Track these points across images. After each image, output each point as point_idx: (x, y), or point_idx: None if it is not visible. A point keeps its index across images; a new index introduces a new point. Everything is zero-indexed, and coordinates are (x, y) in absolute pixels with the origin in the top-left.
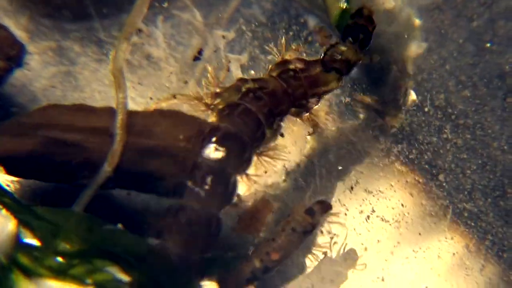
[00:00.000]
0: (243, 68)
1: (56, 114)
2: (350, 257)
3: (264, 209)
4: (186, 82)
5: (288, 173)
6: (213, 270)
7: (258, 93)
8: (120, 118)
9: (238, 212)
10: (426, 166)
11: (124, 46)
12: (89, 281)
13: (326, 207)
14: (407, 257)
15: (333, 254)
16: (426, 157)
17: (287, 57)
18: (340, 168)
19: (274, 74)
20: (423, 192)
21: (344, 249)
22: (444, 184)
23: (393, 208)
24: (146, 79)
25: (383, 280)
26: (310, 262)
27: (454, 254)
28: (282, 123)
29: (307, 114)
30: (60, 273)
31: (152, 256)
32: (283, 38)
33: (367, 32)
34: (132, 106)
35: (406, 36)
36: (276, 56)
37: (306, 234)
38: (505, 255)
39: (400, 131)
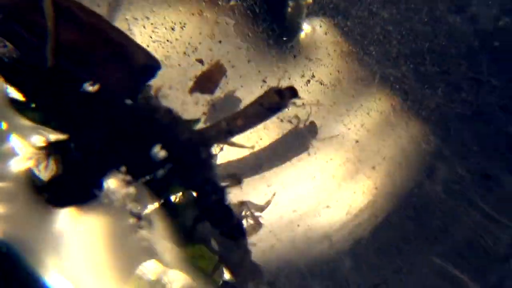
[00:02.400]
0: None
1: None
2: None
3: (217, 72)
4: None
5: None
6: None
7: None
8: None
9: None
10: (358, 37)
11: None
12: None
13: (294, 93)
14: (341, 115)
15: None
16: (358, 29)
17: None
18: (284, 39)
19: None
20: (356, 60)
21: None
22: (373, 53)
23: (330, 74)
24: None
25: (316, 132)
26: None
27: (381, 112)
28: None
29: None
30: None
31: None
32: None
33: None
34: None
35: None
36: None
37: (272, 111)
38: (423, 113)
39: (336, 6)
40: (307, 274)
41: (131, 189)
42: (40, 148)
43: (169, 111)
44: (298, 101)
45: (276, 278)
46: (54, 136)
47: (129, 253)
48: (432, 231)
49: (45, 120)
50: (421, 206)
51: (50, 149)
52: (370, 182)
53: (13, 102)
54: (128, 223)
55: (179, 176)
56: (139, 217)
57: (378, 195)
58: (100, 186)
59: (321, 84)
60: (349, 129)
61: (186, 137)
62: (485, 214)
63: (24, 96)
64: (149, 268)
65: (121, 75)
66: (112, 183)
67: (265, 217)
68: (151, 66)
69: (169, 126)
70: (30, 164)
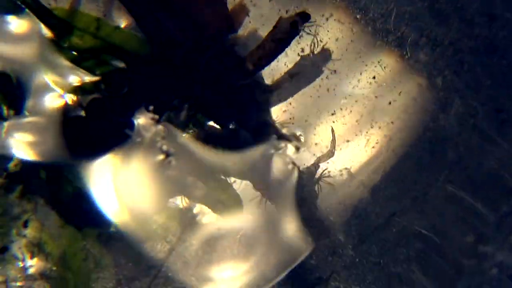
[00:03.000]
0: None
1: None
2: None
3: (240, 12)
4: None
5: None
6: None
7: None
8: None
9: None
10: None
11: None
12: (97, 71)
13: (306, 18)
14: (358, 52)
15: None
16: None
17: None
18: None
19: None
20: None
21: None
22: None
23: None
24: None
25: (335, 72)
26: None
27: (397, 50)
28: None
29: None
30: (74, 63)
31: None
32: None
33: None
34: None
35: None
36: None
37: (287, 39)
38: (438, 49)
39: None
40: (327, 203)
41: (160, 127)
42: (74, 87)
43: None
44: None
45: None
46: (87, 77)
47: (160, 187)
48: (447, 163)
49: (79, 60)
50: (436, 139)
51: (83, 89)
52: (387, 117)
53: (50, 41)
54: (158, 159)
55: (207, 113)
56: (167, 153)
57: (394, 129)
58: (131, 126)
59: (340, 22)
60: (366, 65)
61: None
62: (498, 146)
63: (57, 36)
64: (178, 202)
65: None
66: (142, 122)
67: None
68: None
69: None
70: (64, 101)
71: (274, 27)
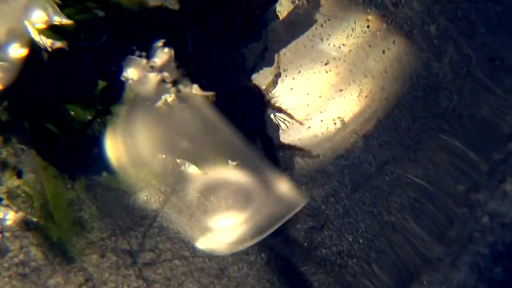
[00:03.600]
0: None
1: None
2: None
3: None
4: None
5: None
6: None
7: None
8: None
9: None
10: None
11: None
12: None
13: None
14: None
15: None
16: None
17: None
18: None
19: None
20: None
21: None
22: None
23: None
24: None
25: (329, 21)
26: None
27: None
28: None
29: None
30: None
31: None
32: None
33: None
34: None
35: None
36: None
37: None
38: None
39: None
40: (320, 153)
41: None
42: (45, 29)
43: None
44: None
45: (290, 161)
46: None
47: (156, 136)
48: (441, 110)
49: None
50: (430, 87)
51: (55, 31)
52: (380, 66)
53: None
54: (157, 107)
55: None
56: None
57: (387, 78)
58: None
59: None
60: (360, 14)
61: None
62: (492, 93)
63: None
64: (173, 152)
65: None
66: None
67: (283, 101)
68: None
69: None
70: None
71: None
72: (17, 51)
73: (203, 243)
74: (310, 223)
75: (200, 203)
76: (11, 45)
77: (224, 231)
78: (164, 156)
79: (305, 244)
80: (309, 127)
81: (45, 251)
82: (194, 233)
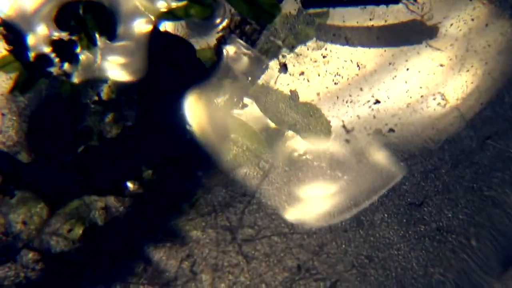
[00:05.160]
0: None
1: None
2: None
3: None
4: None
5: None
6: None
7: None
8: None
9: None
10: None
11: None
12: None
13: None
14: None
15: None
16: None
17: None
18: None
19: None
20: None
21: None
22: None
23: None
24: None
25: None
26: None
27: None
28: None
29: None
30: None
31: None
32: None
33: None
34: None
35: None
36: None
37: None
38: None
39: None
40: (420, 128)
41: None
42: (163, 13)
43: None
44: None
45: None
46: (175, 3)
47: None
48: None
49: None
50: None
51: (172, 14)
52: (483, 40)
53: None
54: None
55: None
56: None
57: (491, 52)
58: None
59: None
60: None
61: None
62: None
63: None
64: (269, 127)
65: None
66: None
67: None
68: None
69: None
70: (151, 26)
71: None
72: (141, 27)
73: (293, 214)
74: (409, 199)
75: (296, 176)
76: (136, 20)
77: (318, 201)
78: (258, 131)
79: (404, 221)
80: (409, 103)
81: None
82: (290, 206)
